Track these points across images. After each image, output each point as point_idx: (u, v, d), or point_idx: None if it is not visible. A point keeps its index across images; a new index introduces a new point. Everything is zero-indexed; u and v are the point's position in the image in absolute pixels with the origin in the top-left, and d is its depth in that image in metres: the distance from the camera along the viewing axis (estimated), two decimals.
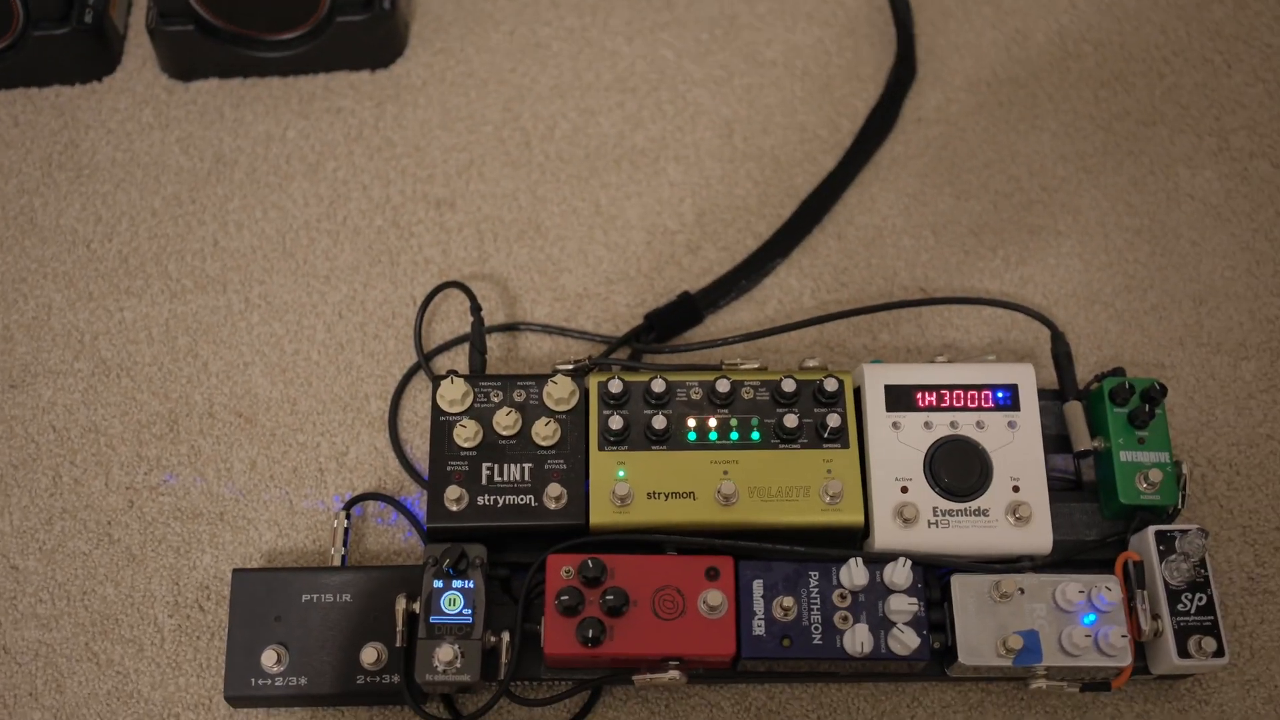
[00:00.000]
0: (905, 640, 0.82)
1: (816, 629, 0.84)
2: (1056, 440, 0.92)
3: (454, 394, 0.89)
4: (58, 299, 1.03)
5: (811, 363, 0.92)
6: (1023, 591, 0.85)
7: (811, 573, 0.85)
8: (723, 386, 0.88)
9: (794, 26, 1.15)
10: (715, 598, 0.83)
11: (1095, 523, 0.90)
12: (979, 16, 1.15)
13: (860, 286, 1.03)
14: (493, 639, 0.84)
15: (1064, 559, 0.88)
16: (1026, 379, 0.90)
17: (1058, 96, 1.11)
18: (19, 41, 1.09)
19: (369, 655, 0.85)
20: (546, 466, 0.88)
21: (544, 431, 0.88)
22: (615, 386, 0.89)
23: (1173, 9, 1.15)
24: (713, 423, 0.89)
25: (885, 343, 1.01)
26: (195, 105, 1.12)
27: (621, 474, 0.87)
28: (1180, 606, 0.84)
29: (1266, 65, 1.12)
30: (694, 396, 0.90)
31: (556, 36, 1.15)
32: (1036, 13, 1.15)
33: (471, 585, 0.85)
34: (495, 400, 0.90)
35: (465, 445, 0.88)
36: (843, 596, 0.84)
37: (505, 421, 0.88)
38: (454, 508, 0.87)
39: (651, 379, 0.89)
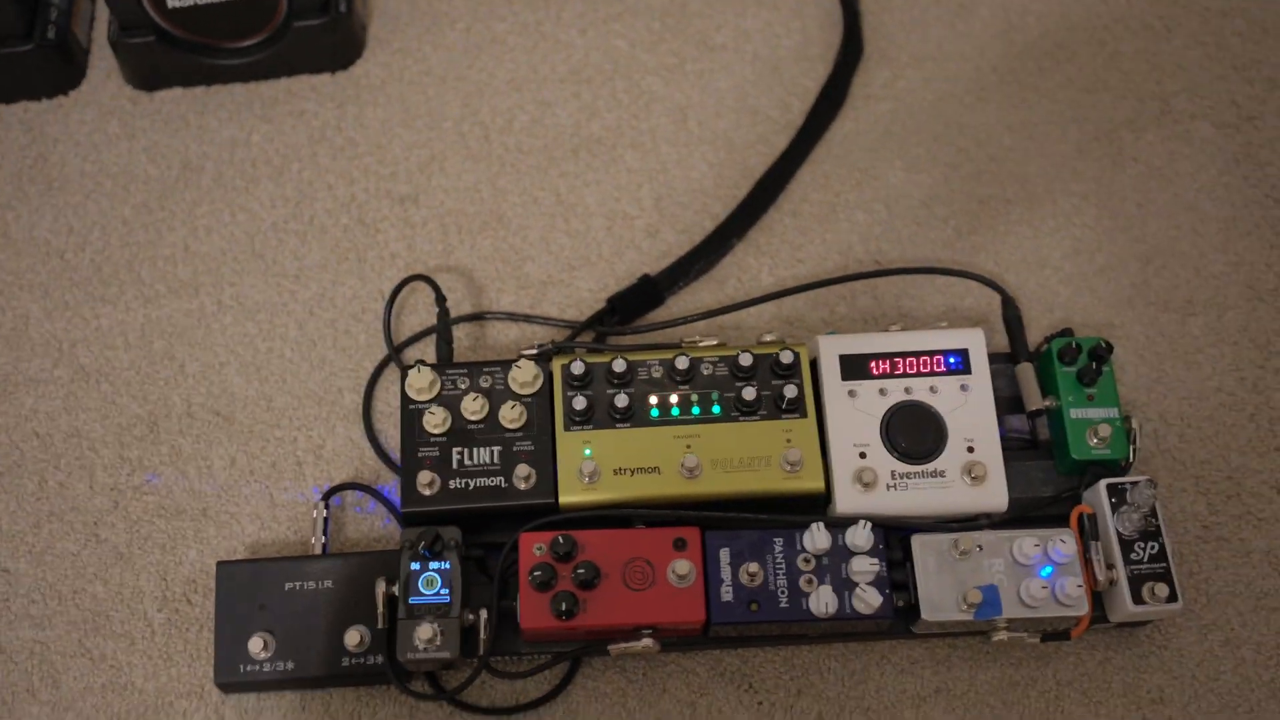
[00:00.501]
0: (868, 599, 0.85)
1: (783, 593, 0.86)
2: (1012, 402, 0.95)
3: (421, 383, 0.92)
4: (35, 309, 1.05)
5: (769, 337, 0.95)
6: (981, 548, 0.87)
7: (776, 539, 0.88)
8: (682, 363, 0.91)
9: (743, 11, 1.17)
10: (683, 567, 0.86)
11: (1051, 480, 0.93)
12: None
13: (816, 262, 1.06)
14: (470, 617, 0.87)
15: (1021, 515, 0.91)
16: (976, 343, 0.93)
17: (1002, 68, 1.14)
18: None
19: (352, 638, 0.87)
20: (515, 448, 0.91)
21: (510, 415, 0.91)
22: (578, 368, 0.91)
23: None
24: (674, 399, 0.92)
25: (842, 315, 1.04)
26: (160, 115, 1.14)
27: (588, 452, 0.90)
28: (1133, 555, 0.87)
29: (1205, 28, 1.15)
30: (655, 375, 0.92)
31: (511, 31, 1.17)
32: None
33: (448, 566, 0.87)
34: (462, 387, 0.92)
35: (435, 432, 0.91)
36: (806, 560, 0.87)
37: (472, 407, 0.91)
38: (427, 492, 0.89)
39: (612, 359, 0.91)
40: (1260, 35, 1.15)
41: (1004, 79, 1.14)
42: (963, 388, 0.92)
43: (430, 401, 0.92)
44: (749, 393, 0.90)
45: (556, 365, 0.93)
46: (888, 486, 0.89)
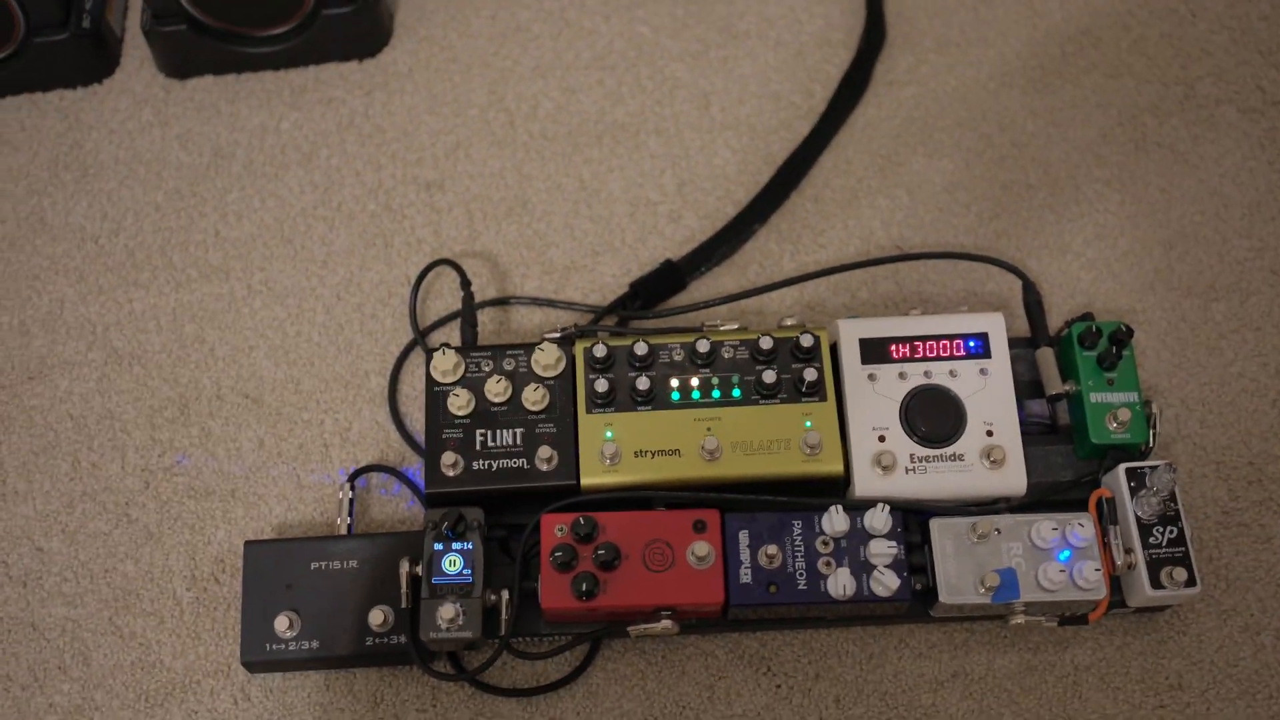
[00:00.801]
0: (886, 581, 0.86)
1: (801, 575, 0.87)
2: (1032, 386, 0.95)
3: (446, 365, 0.93)
4: (70, 293, 1.07)
5: (790, 321, 0.96)
6: (999, 532, 0.88)
7: (795, 521, 0.89)
8: (703, 347, 0.92)
9: None
10: (703, 549, 0.87)
11: (1071, 464, 0.93)
12: None
13: (838, 248, 1.06)
14: (493, 597, 0.88)
15: (1041, 499, 0.91)
16: (996, 327, 0.93)
17: (1025, 54, 1.14)
18: (21, 49, 1.14)
19: (376, 617, 0.89)
20: (537, 430, 0.92)
21: (533, 397, 0.92)
22: (600, 351, 0.92)
23: None
24: (695, 382, 0.92)
25: (864, 300, 1.04)
26: (192, 102, 1.16)
27: (609, 435, 0.91)
28: (1152, 539, 0.87)
29: (1230, 13, 1.14)
30: (676, 358, 0.93)
31: (536, 19, 1.18)
32: None
33: (470, 547, 0.89)
34: (486, 370, 0.94)
35: (459, 414, 0.92)
36: (825, 543, 0.88)
37: (496, 389, 0.92)
38: (450, 473, 0.91)
39: (634, 342, 0.92)
40: None
41: (1027, 64, 1.13)
42: (982, 372, 0.92)
43: (455, 384, 0.93)
44: (769, 376, 0.91)
45: (579, 348, 0.94)
46: (906, 470, 0.90)
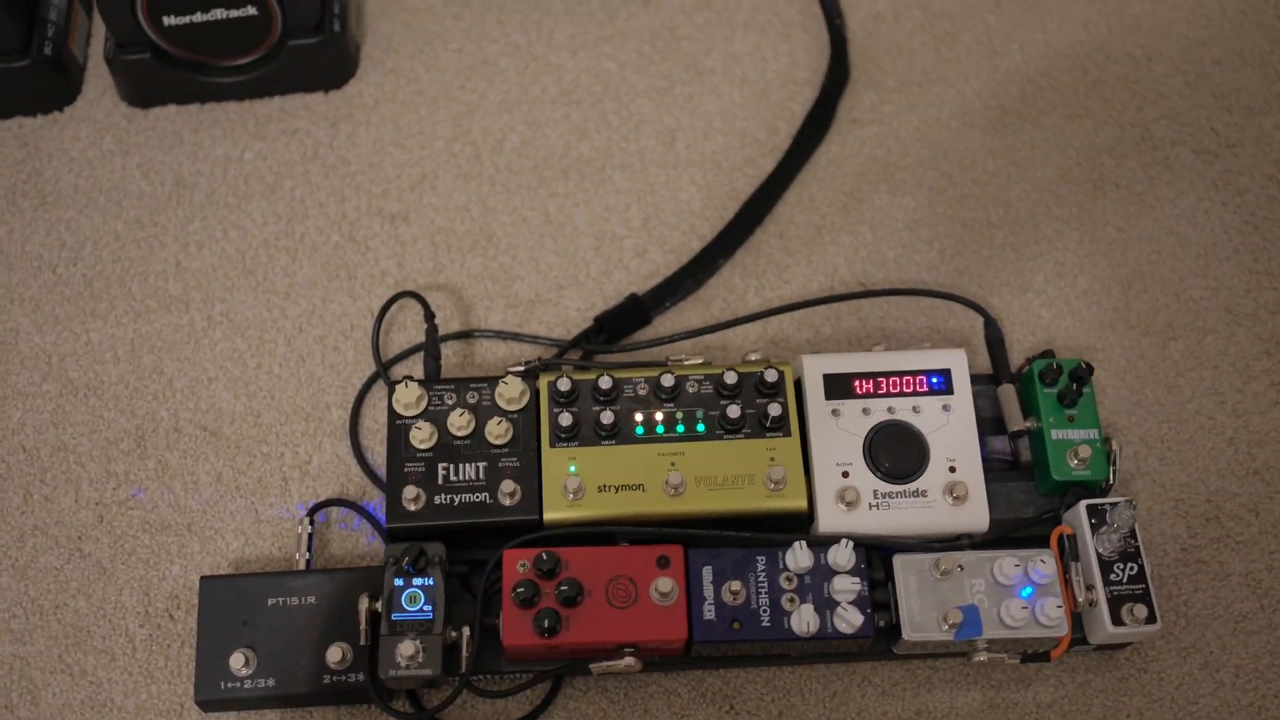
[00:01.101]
0: (849, 618, 0.86)
1: (765, 611, 0.87)
2: (994, 423, 0.95)
3: (409, 398, 0.92)
4: (25, 323, 1.06)
5: (754, 356, 0.96)
6: (962, 568, 0.88)
7: (758, 558, 0.88)
8: (667, 381, 0.92)
9: (732, 36, 1.19)
10: (666, 585, 0.86)
11: (1032, 500, 0.93)
12: (909, 19, 1.19)
13: (802, 283, 1.07)
14: (453, 634, 0.87)
15: (1003, 536, 0.91)
16: (959, 364, 0.93)
17: (986, 94, 1.16)
18: None
19: (334, 654, 0.87)
20: (500, 464, 0.91)
21: (497, 430, 0.91)
22: (564, 385, 0.92)
23: (1094, 6, 1.20)
24: (659, 416, 0.92)
25: (827, 336, 1.04)
26: (155, 131, 1.15)
27: (573, 469, 0.91)
28: (1113, 576, 0.88)
29: (1185, 58, 1.17)
30: (640, 392, 0.93)
31: (503, 53, 1.19)
32: (964, 14, 1.19)
33: (431, 582, 0.88)
34: (449, 403, 0.93)
35: (421, 447, 0.91)
36: (789, 579, 0.88)
37: (459, 422, 0.91)
38: (412, 507, 0.90)
39: (599, 376, 0.92)
40: (1238, 65, 1.16)
41: (988, 105, 1.15)
42: (945, 408, 0.92)
43: (417, 417, 0.93)
44: (733, 411, 0.91)
45: (543, 382, 0.94)
46: (870, 506, 0.90)
